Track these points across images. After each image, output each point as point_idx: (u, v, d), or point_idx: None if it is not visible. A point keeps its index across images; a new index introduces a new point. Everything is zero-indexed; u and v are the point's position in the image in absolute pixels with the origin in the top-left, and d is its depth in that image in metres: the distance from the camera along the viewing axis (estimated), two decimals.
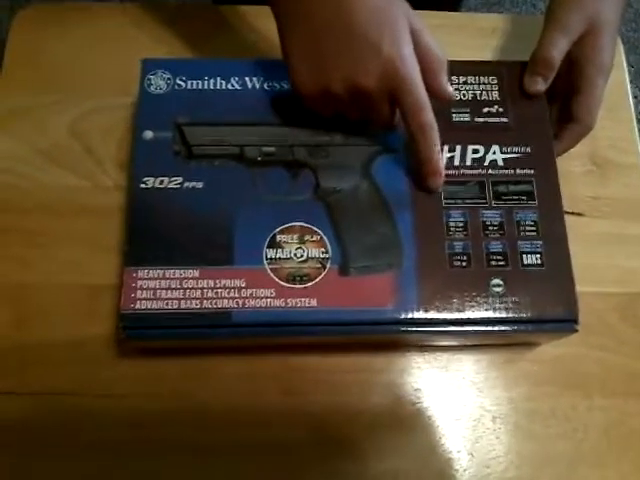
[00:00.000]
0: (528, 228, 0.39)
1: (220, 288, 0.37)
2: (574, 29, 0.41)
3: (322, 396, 0.41)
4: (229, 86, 0.41)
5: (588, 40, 0.41)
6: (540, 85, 0.42)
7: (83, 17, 0.51)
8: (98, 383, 0.41)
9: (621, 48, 0.54)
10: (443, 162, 0.39)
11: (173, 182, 0.39)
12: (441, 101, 0.38)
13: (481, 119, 0.42)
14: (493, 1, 1.41)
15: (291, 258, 0.38)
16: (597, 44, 0.41)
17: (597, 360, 0.43)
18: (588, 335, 0.43)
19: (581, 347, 0.44)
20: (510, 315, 0.37)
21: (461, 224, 0.39)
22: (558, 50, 0.41)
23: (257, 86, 0.41)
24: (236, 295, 0.37)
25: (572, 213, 0.47)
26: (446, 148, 0.41)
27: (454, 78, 0.43)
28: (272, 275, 0.37)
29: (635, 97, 1.33)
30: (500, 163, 0.41)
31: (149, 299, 0.36)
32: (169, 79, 0.41)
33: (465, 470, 0.41)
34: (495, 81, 0.43)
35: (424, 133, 0.37)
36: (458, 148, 0.41)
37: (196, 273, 0.37)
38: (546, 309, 0.38)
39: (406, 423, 0.42)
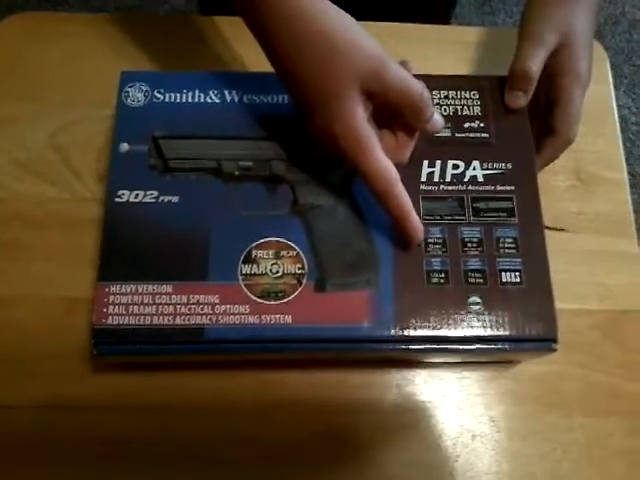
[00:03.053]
0: (507, 245, 0.39)
1: (194, 304, 0.36)
2: (548, 41, 0.41)
3: (298, 413, 0.41)
4: (208, 99, 0.41)
5: (563, 52, 0.41)
6: (521, 99, 0.42)
7: (66, 27, 0.51)
8: (72, 397, 0.40)
9: (607, 63, 0.54)
10: (415, 221, 0.37)
11: (148, 196, 0.38)
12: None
13: (462, 134, 0.42)
14: (487, 11, 1.41)
15: (266, 274, 0.37)
16: (572, 55, 0.41)
17: (578, 378, 0.43)
18: (569, 353, 0.43)
19: (562, 365, 0.43)
20: (488, 333, 0.37)
21: (439, 241, 0.39)
22: (535, 62, 0.41)
23: (236, 99, 0.41)
24: (210, 311, 0.36)
25: (555, 229, 0.46)
26: (426, 163, 0.41)
27: (435, 93, 0.42)
28: (247, 291, 0.37)
29: (628, 108, 1.33)
30: (480, 179, 0.40)
31: (121, 314, 0.36)
32: (147, 92, 0.41)
33: None
34: (477, 96, 0.43)
35: (385, 201, 0.36)
36: (438, 163, 0.41)
37: (169, 288, 0.36)
38: (525, 328, 0.37)
39: (385, 440, 0.41)
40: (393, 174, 0.35)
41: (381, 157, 0.35)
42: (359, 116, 0.34)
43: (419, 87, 0.35)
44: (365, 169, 0.35)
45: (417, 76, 0.41)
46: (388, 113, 0.36)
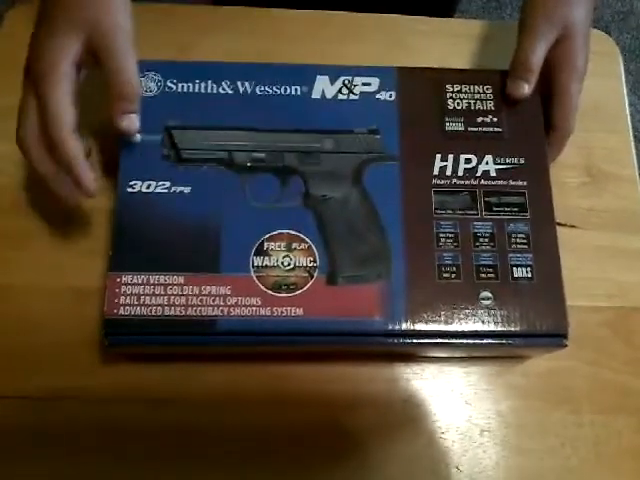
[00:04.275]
0: (519, 240, 0.39)
1: (205, 295, 0.36)
2: (548, 35, 0.41)
3: (306, 406, 0.41)
4: (220, 90, 0.41)
5: (562, 43, 0.41)
6: (524, 89, 0.41)
7: None
8: (80, 388, 0.40)
9: (619, 58, 0.53)
10: (83, 169, 0.36)
11: (160, 186, 0.38)
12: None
13: (475, 128, 0.41)
14: (494, 6, 1.40)
15: (278, 266, 0.37)
16: (570, 48, 0.41)
17: (587, 375, 0.43)
18: (579, 349, 0.43)
19: (571, 361, 0.43)
20: (499, 328, 0.37)
21: (451, 235, 0.39)
22: (536, 54, 0.41)
23: (249, 90, 0.41)
24: (221, 303, 0.36)
25: (566, 225, 0.46)
26: (438, 157, 0.40)
27: (448, 87, 0.42)
28: (258, 283, 0.37)
29: (634, 106, 1.32)
30: (493, 174, 0.40)
31: (133, 305, 0.36)
32: (160, 81, 0.41)
33: None
34: (490, 90, 0.42)
35: (53, 147, 0.35)
36: (450, 157, 0.40)
37: (181, 279, 0.36)
38: (535, 323, 0.37)
39: (393, 434, 0.41)
40: (68, 116, 0.35)
41: (64, 96, 0.35)
42: (63, 54, 0.35)
43: (132, 73, 0.36)
44: (42, 100, 0.35)
45: (431, 69, 0.41)
46: None
